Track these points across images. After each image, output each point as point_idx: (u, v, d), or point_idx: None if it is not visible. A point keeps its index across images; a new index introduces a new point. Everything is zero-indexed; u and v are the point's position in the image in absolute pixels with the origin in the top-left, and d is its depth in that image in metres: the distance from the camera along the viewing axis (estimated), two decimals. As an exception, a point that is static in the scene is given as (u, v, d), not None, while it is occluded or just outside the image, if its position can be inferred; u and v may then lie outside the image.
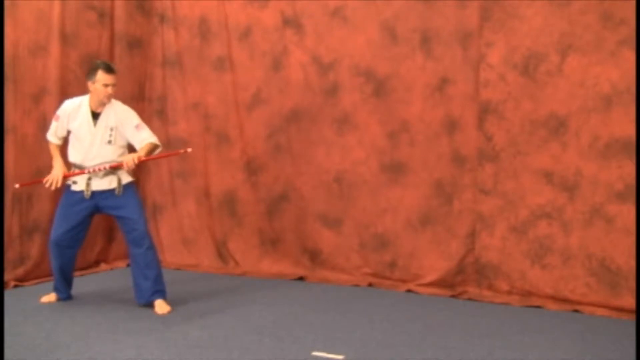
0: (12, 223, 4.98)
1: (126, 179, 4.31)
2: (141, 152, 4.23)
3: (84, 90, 5.46)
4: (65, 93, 5.34)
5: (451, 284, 4.84)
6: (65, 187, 4.35)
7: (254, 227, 5.63)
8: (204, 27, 5.77)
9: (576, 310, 4.36)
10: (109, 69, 4.22)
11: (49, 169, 5.18)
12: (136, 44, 5.92)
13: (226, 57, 5.67)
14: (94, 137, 4.23)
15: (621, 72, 4.25)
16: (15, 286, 4.84)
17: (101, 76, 4.18)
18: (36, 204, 5.14)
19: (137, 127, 4.28)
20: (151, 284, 4.25)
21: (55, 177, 4.26)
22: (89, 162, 4.24)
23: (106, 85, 4.19)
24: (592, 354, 3.52)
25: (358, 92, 5.15)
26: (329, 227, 5.31)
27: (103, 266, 5.67)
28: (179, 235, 5.93)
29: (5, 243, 4.87)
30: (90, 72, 4.24)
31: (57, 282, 4.46)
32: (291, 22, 5.38)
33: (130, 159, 4.16)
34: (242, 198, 5.67)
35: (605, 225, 4.33)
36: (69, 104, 4.34)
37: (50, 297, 4.47)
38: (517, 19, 4.55)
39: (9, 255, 4.92)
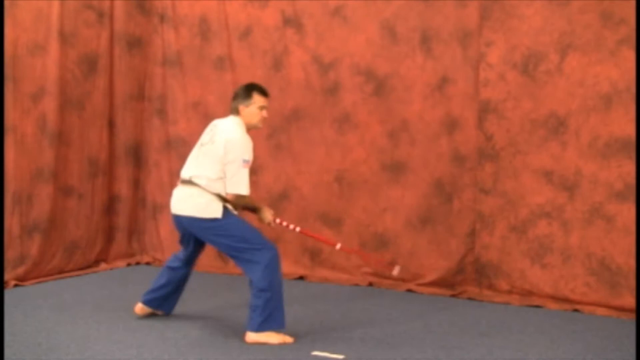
0: (12, 223, 4.98)
1: None
2: None
3: (82, 90, 5.52)
4: (64, 93, 5.36)
5: (451, 283, 4.84)
6: (228, 213, 3.78)
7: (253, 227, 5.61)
8: (204, 27, 5.76)
9: (576, 310, 4.36)
10: (265, 92, 3.88)
11: (48, 168, 5.21)
12: (136, 44, 5.91)
13: (226, 56, 5.66)
14: None
15: (621, 72, 4.24)
16: (16, 286, 4.84)
17: (258, 98, 3.82)
18: (36, 204, 5.14)
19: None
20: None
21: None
22: None
23: (263, 108, 3.85)
24: (592, 354, 3.52)
25: (358, 91, 5.15)
26: (329, 226, 5.31)
27: (103, 266, 5.66)
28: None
29: (5, 243, 4.87)
30: (244, 94, 3.84)
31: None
32: (291, 22, 5.38)
33: None
34: (242, 197, 5.66)
35: (605, 225, 4.32)
36: (249, 139, 3.74)
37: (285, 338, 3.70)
38: (516, 18, 4.55)
39: (9, 254, 4.92)
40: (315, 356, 3.42)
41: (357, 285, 5.11)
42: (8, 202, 4.94)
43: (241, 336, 3.70)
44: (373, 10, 5.05)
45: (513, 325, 4.05)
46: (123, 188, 5.89)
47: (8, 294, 4.59)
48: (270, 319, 3.59)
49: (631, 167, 4.22)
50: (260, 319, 3.58)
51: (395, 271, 4.31)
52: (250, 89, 3.84)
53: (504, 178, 4.65)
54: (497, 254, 4.69)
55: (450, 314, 4.28)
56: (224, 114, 5.65)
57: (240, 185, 3.67)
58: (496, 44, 4.61)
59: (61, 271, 5.30)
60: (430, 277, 4.89)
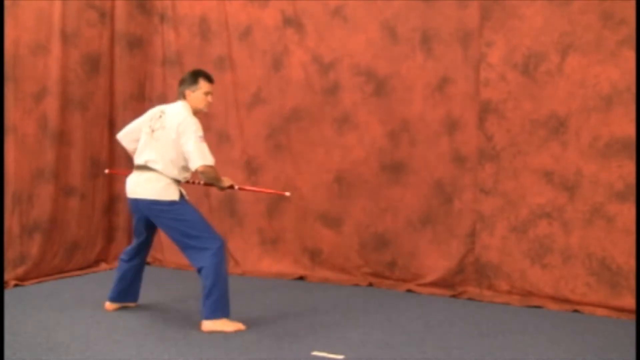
0: (12, 223, 4.98)
1: None
2: None
3: (84, 90, 5.53)
4: (66, 92, 5.36)
5: (451, 283, 4.84)
6: (182, 199, 3.95)
7: (254, 227, 5.63)
8: (204, 27, 5.77)
9: (576, 310, 4.36)
10: (211, 78, 4.05)
11: (48, 168, 5.22)
12: (136, 43, 5.92)
13: (226, 56, 5.67)
14: None
15: (621, 72, 4.24)
16: (16, 286, 4.84)
17: (203, 84, 3.99)
18: (37, 203, 5.15)
19: None
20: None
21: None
22: None
23: (208, 93, 4.02)
24: (592, 354, 3.52)
25: (358, 91, 5.15)
26: (329, 226, 5.31)
27: (103, 266, 5.67)
28: (179, 234, 5.92)
29: (5, 243, 4.87)
30: (191, 80, 4.01)
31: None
32: (291, 22, 5.38)
33: None
34: (242, 198, 5.67)
35: (606, 225, 4.32)
36: (197, 120, 3.92)
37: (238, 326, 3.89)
38: (517, 19, 4.55)
39: (9, 254, 4.93)
40: (315, 356, 3.42)
41: (357, 285, 5.11)
42: (8, 202, 4.94)
43: (241, 335, 3.71)
44: (373, 10, 5.05)
45: (513, 325, 4.04)
46: (123, 188, 5.83)
47: (8, 294, 4.59)
48: (219, 305, 3.77)
49: (631, 168, 4.22)
50: (214, 305, 3.76)
51: (287, 194, 4.37)
52: (196, 75, 4.02)
53: (505, 178, 4.64)
54: (497, 254, 4.69)
55: (450, 314, 4.28)
56: (224, 114, 5.72)
57: (206, 156, 3.81)
58: (497, 44, 4.61)
59: (61, 271, 5.31)
60: (430, 277, 4.89)
